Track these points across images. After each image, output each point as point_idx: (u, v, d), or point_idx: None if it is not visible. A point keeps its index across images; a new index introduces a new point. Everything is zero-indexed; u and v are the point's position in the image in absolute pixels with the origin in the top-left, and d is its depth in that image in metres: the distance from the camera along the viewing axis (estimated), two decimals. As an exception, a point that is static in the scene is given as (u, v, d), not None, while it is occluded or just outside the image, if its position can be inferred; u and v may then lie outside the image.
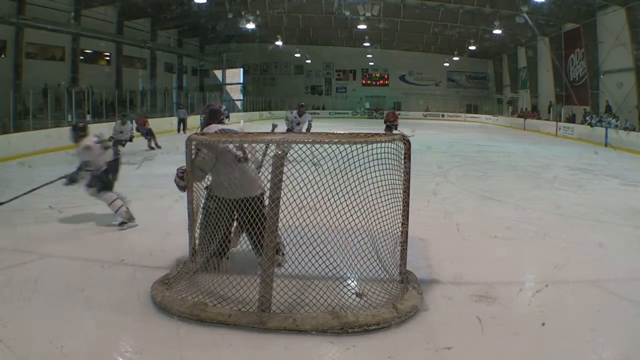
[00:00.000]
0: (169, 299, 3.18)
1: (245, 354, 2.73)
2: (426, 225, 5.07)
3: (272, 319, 2.92)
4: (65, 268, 3.98)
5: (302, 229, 3.26)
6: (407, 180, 3.47)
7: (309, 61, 39.50)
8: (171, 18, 26.37)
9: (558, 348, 2.77)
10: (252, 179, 3.68)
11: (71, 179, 5.10)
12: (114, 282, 3.63)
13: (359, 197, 3.35)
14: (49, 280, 3.64)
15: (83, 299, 3.30)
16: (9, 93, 14.38)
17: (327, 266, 3.24)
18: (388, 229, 3.51)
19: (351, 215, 3.31)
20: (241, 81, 38.74)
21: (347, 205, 3.29)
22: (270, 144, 3.53)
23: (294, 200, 3.21)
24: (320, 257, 3.24)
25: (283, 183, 3.09)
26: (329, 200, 3.25)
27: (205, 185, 3.79)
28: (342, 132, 3.64)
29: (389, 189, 3.44)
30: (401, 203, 3.49)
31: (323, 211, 3.27)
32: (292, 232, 3.28)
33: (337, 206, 3.28)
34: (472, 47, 30.15)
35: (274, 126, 8.65)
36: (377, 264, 3.52)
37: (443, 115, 37.28)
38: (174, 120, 19.81)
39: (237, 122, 24.84)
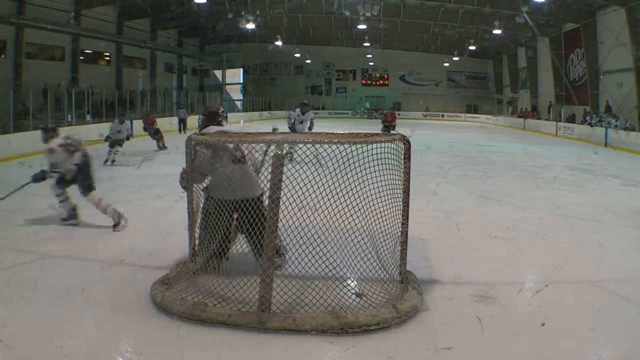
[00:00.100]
0: (169, 299, 3.18)
1: (245, 354, 2.73)
2: (426, 225, 5.06)
3: (272, 319, 2.92)
4: (65, 268, 3.98)
5: (302, 229, 3.26)
6: (407, 181, 3.47)
7: (309, 61, 39.51)
8: (171, 18, 26.38)
9: (558, 348, 2.77)
10: (250, 179, 3.67)
11: (34, 179, 5.11)
12: (114, 282, 3.63)
13: (359, 197, 3.34)
14: (49, 280, 3.64)
15: (83, 299, 3.30)
16: (9, 93, 14.39)
17: (327, 266, 3.24)
18: (388, 229, 3.51)
19: (351, 215, 3.31)
20: (241, 81, 38.76)
21: (347, 205, 3.29)
22: (271, 145, 3.52)
23: (294, 201, 3.21)
24: (320, 257, 3.24)
25: (283, 183, 3.09)
26: (329, 200, 3.25)
27: (203, 186, 3.79)
28: (342, 132, 3.64)
29: (389, 189, 3.44)
30: (401, 203, 3.49)
31: (323, 211, 3.27)
32: (292, 232, 3.28)
33: (337, 206, 3.28)
34: (472, 47, 30.16)
35: (275, 129, 8.62)
36: (377, 264, 3.52)
37: (443, 116, 37.29)
38: (174, 120, 19.80)
39: (237, 122, 24.86)
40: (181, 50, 31.96)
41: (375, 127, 15.59)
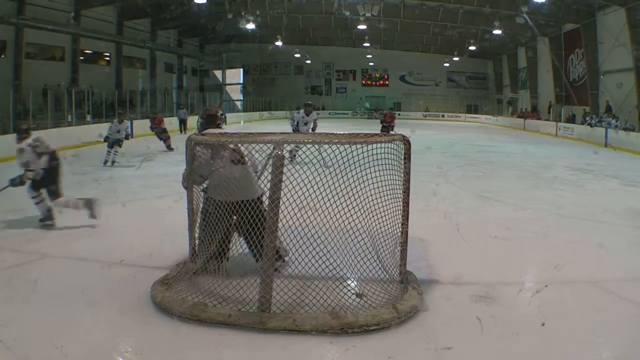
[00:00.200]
0: (169, 299, 3.18)
1: (245, 354, 2.73)
2: (426, 225, 5.06)
3: (272, 319, 2.92)
4: (65, 268, 3.98)
5: (302, 229, 3.26)
6: (407, 181, 3.47)
7: (309, 61, 39.50)
8: (171, 18, 26.38)
9: (558, 348, 2.77)
10: (250, 181, 3.66)
11: (12, 183, 5.13)
12: (114, 282, 3.63)
13: (359, 197, 3.35)
14: (49, 280, 3.64)
15: (83, 299, 3.29)
16: (9, 93, 14.37)
17: (327, 266, 3.24)
18: (388, 229, 3.51)
19: (351, 215, 3.31)
20: (241, 81, 38.77)
21: (347, 206, 3.29)
22: (270, 157, 3.50)
23: (294, 201, 3.21)
24: (320, 257, 3.24)
25: (283, 183, 3.09)
26: (329, 200, 3.25)
27: (202, 187, 3.78)
28: (342, 132, 3.64)
29: (389, 189, 3.44)
30: (401, 203, 3.49)
31: (323, 211, 3.27)
32: (292, 232, 3.28)
33: (337, 206, 3.28)
34: (472, 48, 30.15)
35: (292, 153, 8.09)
36: (377, 264, 3.52)
37: (443, 116, 37.29)
38: (174, 120, 19.77)
39: (237, 122, 24.85)
40: (181, 50, 31.96)
41: (375, 127, 15.59)
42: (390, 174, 3.41)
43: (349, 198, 3.29)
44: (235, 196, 3.50)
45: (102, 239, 4.79)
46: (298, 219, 3.26)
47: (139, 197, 7.09)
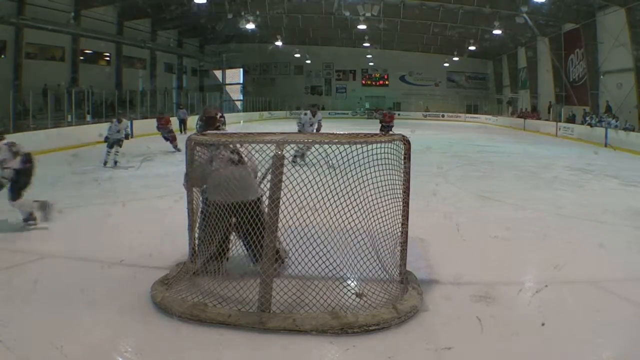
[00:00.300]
0: (169, 299, 3.18)
1: (245, 354, 2.73)
2: (426, 225, 5.05)
3: (272, 319, 2.92)
4: (65, 268, 3.97)
5: (302, 229, 3.26)
6: (407, 181, 3.47)
7: (308, 61, 39.51)
8: (171, 18, 26.38)
9: (558, 348, 2.77)
10: (249, 182, 3.65)
11: None
12: (114, 282, 3.63)
13: (359, 197, 3.34)
14: (49, 280, 3.64)
15: (83, 299, 3.29)
16: (9, 93, 14.37)
17: (327, 266, 3.24)
18: (388, 229, 3.51)
19: (351, 215, 3.31)
20: (241, 81, 38.76)
21: (347, 205, 3.29)
22: (268, 174, 3.50)
23: (294, 201, 3.21)
24: (320, 257, 3.24)
25: (283, 183, 3.09)
26: (329, 200, 3.25)
27: (201, 189, 3.78)
28: (342, 132, 3.64)
29: (389, 189, 3.44)
30: (401, 203, 3.49)
31: (323, 211, 3.26)
32: (292, 232, 3.28)
33: (337, 206, 3.28)
34: (472, 48, 30.16)
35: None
36: (377, 264, 3.52)
37: (443, 116, 37.29)
38: (174, 120, 19.73)
39: (237, 122, 24.85)
40: (181, 50, 31.97)
41: (375, 127, 15.59)
42: (390, 174, 3.41)
43: (349, 198, 3.29)
44: (234, 197, 3.50)
45: (102, 239, 4.79)
46: (298, 219, 3.26)
47: (139, 197, 7.09)
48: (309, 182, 3.26)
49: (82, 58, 22.51)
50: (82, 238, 4.86)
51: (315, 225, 3.29)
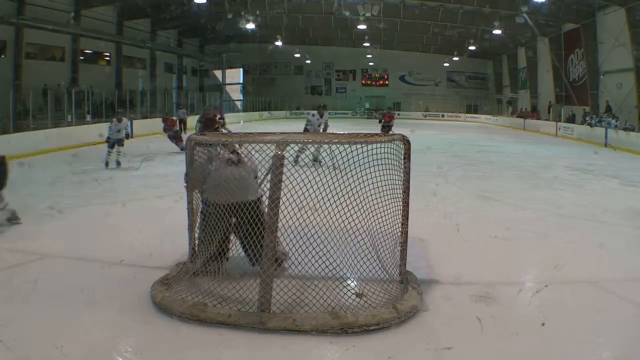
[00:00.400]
0: (169, 299, 3.18)
1: (245, 354, 2.73)
2: (426, 225, 5.06)
3: (271, 319, 2.92)
4: (65, 268, 3.98)
5: (302, 229, 3.26)
6: (407, 181, 3.47)
7: (308, 61, 39.50)
8: (171, 18, 26.37)
9: (558, 348, 2.77)
10: (248, 182, 3.65)
11: None
12: (114, 282, 3.63)
13: (359, 197, 3.35)
14: (49, 280, 3.64)
15: (83, 299, 3.29)
16: (9, 93, 14.36)
17: (327, 266, 3.25)
18: (388, 229, 3.51)
19: (351, 215, 3.31)
20: (241, 81, 38.76)
21: (347, 205, 3.29)
22: (268, 172, 3.49)
23: (294, 201, 3.21)
24: (320, 257, 3.24)
25: (283, 183, 3.09)
26: (329, 200, 3.25)
27: (200, 190, 3.77)
28: (342, 132, 3.64)
29: (389, 189, 3.45)
30: (401, 203, 3.49)
31: (323, 211, 3.27)
32: (292, 232, 3.28)
33: (337, 206, 3.28)
34: (472, 48, 30.14)
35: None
36: (377, 264, 3.52)
37: (443, 116, 37.28)
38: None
39: (237, 122, 24.86)
40: (181, 50, 31.96)
41: (374, 127, 15.60)
42: (390, 174, 3.42)
43: (349, 198, 3.29)
44: (234, 197, 3.50)
45: (102, 239, 4.79)
46: (298, 219, 3.26)
47: (139, 197, 7.09)
48: (309, 182, 3.26)
49: (82, 58, 22.49)
50: (82, 238, 4.86)
51: (315, 225, 3.30)
